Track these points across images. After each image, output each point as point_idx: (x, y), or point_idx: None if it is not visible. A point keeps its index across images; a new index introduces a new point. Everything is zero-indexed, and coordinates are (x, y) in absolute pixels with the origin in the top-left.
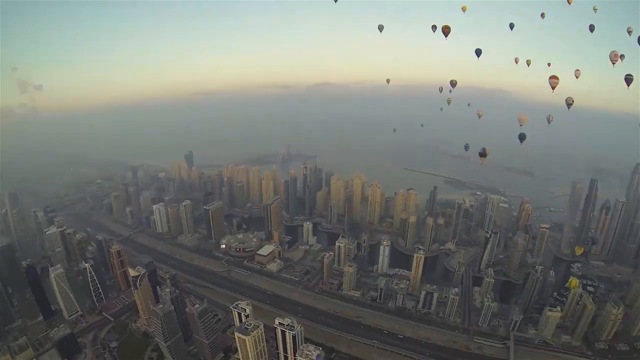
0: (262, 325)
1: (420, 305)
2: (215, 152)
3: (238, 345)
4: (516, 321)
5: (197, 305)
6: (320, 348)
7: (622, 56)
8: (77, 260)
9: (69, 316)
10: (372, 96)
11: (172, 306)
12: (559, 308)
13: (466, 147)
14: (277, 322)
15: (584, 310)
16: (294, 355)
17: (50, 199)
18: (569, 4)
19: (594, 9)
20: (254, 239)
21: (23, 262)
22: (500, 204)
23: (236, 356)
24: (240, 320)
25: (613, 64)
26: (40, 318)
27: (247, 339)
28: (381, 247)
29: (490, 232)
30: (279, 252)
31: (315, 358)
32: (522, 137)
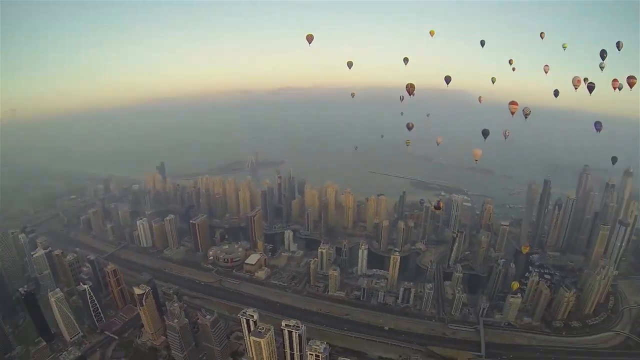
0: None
1: (399, 300)
2: (185, 161)
3: (253, 348)
4: (484, 308)
5: (208, 316)
6: (325, 342)
7: (585, 80)
8: (69, 282)
9: (71, 338)
10: (335, 100)
11: (186, 319)
12: (519, 295)
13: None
14: (283, 324)
15: (541, 295)
16: (300, 352)
17: (19, 217)
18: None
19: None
20: (240, 249)
21: (20, 289)
22: (464, 203)
23: (244, 358)
24: (249, 326)
25: (575, 88)
26: (43, 343)
27: (262, 341)
28: (359, 250)
29: (456, 231)
30: (265, 260)
31: (323, 351)
32: (485, 134)
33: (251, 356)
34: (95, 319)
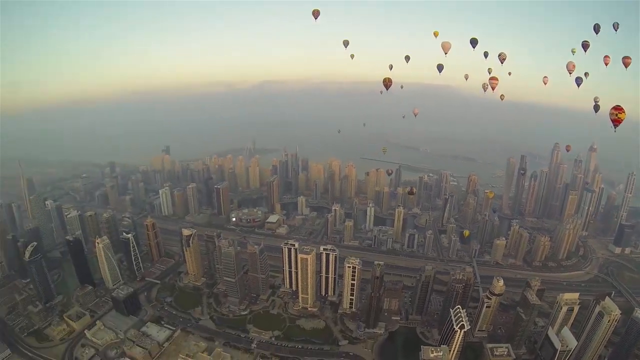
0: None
1: (405, 246)
2: (185, 147)
3: (300, 263)
4: (475, 250)
5: (257, 246)
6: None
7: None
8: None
9: (113, 285)
10: (318, 93)
11: (239, 247)
12: (503, 238)
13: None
14: (321, 248)
15: (521, 239)
16: (335, 272)
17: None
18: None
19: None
20: (259, 212)
21: (67, 237)
22: (451, 182)
23: (282, 289)
24: (290, 254)
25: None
26: (89, 287)
27: (309, 257)
28: (367, 209)
29: (447, 195)
30: (283, 219)
31: (359, 262)
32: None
33: (288, 287)
34: (135, 268)
